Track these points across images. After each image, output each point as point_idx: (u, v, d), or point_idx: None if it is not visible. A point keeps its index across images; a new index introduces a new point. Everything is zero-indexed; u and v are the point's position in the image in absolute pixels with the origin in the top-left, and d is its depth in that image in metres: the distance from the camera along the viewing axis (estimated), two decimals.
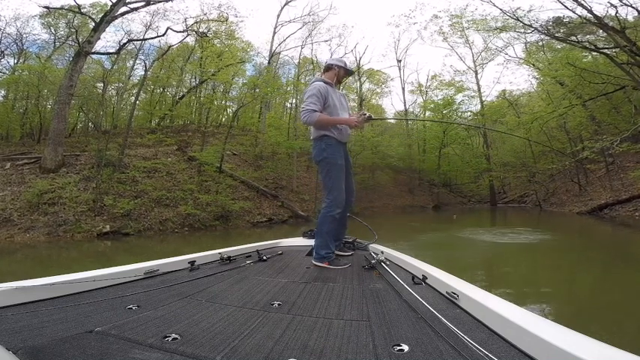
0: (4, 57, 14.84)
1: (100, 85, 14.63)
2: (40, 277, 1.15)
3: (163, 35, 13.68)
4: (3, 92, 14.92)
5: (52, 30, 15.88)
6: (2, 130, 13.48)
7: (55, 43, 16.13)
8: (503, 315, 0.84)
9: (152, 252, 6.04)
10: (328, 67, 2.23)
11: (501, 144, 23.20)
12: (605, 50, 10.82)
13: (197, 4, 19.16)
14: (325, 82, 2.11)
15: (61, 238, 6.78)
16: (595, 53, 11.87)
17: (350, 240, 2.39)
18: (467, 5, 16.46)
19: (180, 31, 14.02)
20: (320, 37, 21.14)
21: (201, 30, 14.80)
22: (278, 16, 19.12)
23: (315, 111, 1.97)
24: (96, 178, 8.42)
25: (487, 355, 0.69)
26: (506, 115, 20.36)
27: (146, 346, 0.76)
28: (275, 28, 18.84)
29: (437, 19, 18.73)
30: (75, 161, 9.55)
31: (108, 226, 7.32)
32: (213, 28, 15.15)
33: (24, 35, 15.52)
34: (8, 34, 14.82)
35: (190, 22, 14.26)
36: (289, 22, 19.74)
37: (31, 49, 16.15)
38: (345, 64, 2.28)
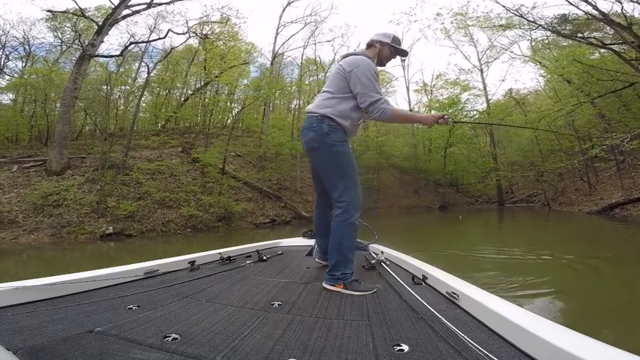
0: (9, 60, 15.05)
1: (105, 87, 14.75)
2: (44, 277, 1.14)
3: (164, 37, 13.73)
4: (11, 96, 15.14)
5: (59, 33, 16.09)
6: (11, 133, 13.68)
7: (61, 46, 16.34)
8: (503, 315, 0.84)
9: (154, 253, 6.04)
10: (369, 45, 1.78)
11: (508, 143, 22.94)
12: (613, 47, 10.63)
13: (199, 7, 19.19)
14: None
15: (65, 239, 6.82)
16: (602, 50, 11.67)
17: None
18: (468, 1, 16.17)
19: (181, 33, 14.08)
20: (322, 37, 21.21)
21: (203, 32, 14.85)
22: (280, 17, 19.10)
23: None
24: (100, 180, 8.46)
25: (487, 355, 0.69)
26: (512, 113, 20.16)
27: (146, 346, 0.76)
28: (277, 29, 18.82)
29: (439, 16, 18.55)
30: (80, 164, 9.62)
31: (111, 228, 7.35)
32: (217, 30, 15.18)
33: (31, 39, 15.75)
34: (14, 37, 15.01)
35: (192, 23, 14.31)
36: (291, 22, 19.69)
37: (38, 52, 16.42)
38: (394, 38, 1.75)
